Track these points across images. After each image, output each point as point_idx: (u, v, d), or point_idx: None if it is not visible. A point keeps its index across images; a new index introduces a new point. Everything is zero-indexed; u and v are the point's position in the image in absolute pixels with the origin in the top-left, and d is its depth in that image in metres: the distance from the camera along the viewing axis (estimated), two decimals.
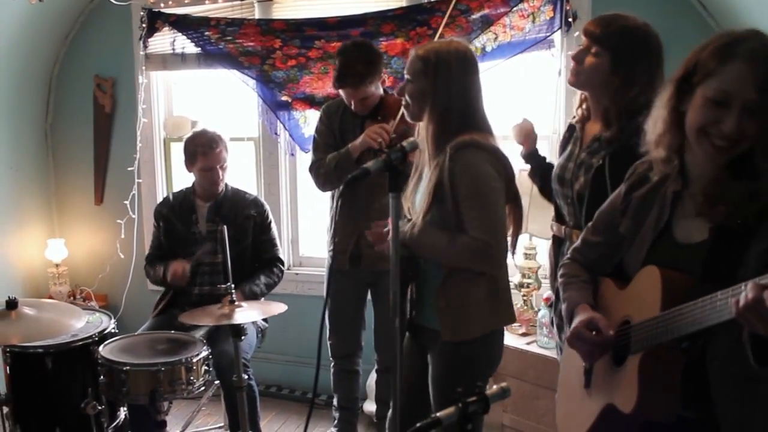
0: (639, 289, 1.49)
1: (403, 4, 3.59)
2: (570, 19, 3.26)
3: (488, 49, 3.42)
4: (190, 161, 3.18)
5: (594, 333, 1.53)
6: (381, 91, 3.00)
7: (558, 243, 2.28)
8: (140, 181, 4.18)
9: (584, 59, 2.07)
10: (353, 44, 2.96)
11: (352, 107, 2.95)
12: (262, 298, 3.22)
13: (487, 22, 3.39)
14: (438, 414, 1.23)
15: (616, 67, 2.00)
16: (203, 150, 3.12)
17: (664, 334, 1.35)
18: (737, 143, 1.34)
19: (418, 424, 1.22)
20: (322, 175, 2.97)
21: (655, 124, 1.49)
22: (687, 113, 1.41)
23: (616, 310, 1.56)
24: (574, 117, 2.27)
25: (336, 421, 3.34)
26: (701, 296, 1.30)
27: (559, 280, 1.77)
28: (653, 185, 1.54)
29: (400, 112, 2.81)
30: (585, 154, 2.11)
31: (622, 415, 1.45)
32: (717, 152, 1.36)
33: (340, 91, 2.94)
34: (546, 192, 2.44)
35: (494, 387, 1.31)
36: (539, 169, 2.49)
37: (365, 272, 3.03)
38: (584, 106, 2.20)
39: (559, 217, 2.27)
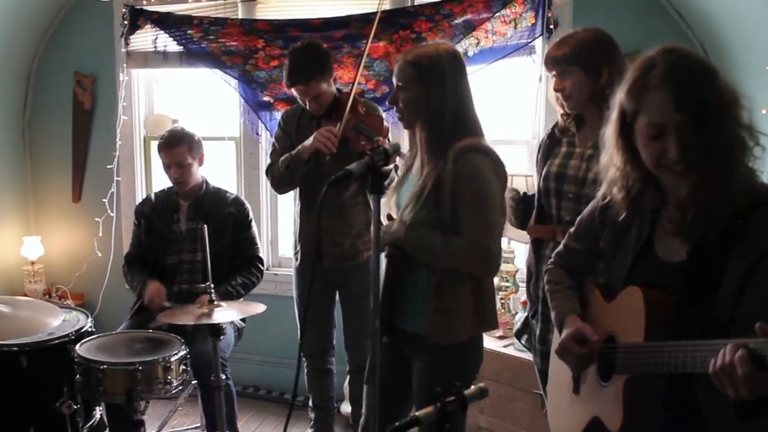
0: (623, 308, 1.50)
1: (387, 7, 3.61)
2: (551, 26, 3.30)
3: (470, 53, 3.45)
4: (159, 155, 3.20)
5: (581, 345, 1.56)
6: (334, 89, 3.04)
7: (537, 245, 2.32)
8: (119, 179, 4.14)
9: (564, 85, 2.15)
10: (301, 44, 3.04)
11: (307, 107, 2.99)
12: (240, 298, 3.22)
13: (469, 27, 3.42)
14: (417, 413, 1.24)
15: (588, 72, 2.09)
16: (164, 145, 3.12)
17: (647, 367, 1.36)
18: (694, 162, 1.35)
19: (396, 423, 1.23)
20: (276, 177, 3.04)
21: (609, 165, 1.52)
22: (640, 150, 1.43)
23: (602, 322, 1.59)
24: (556, 125, 2.31)
25: (312, 422, 3.35)
26: (683, 318, 1.33)
27: (546, 286, 1.80)
28: (631, 201, 1.54)
29: (346, 114, 2.86)
30: (593, 150, 2.12)
31: (608, 430, 1.48)
32: (681, 177, 1.37)
33: (293, 91, 2.99)
34: (522, 221, 2.49)
35: (472, 387, 1.33)
36: (525, 204, 2.51)
37: (331, 271, 3.06)
38: (565, 114, 2.25)
39: (541, 219, 2.30)
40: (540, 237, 2.30)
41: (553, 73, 2.18)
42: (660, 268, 1.46)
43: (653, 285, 1.43)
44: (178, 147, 3.10)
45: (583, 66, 2.10)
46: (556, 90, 2.18)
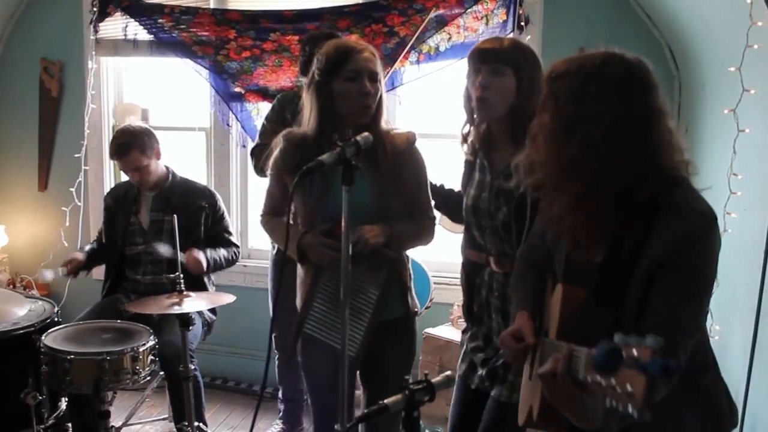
0: (553, 303, 1.55)
1: (360, 0, 3.62)
2: (522, 23, 3.35)
3: (441, 48, 3.49)
4: None
5: (517, 342, 1.59)
6: None
7: (472, 267, 2.14)
8: (87, 168, 4.09)
9: (491, 84, 1.93)
10: (323, 34, 3.00)
11: None
12: (212, 288, 3.20)
13: (441, 22, 3.45)
14: (385, 401, 1.27)
15: (518, 80, 1.92)
16: (115, 155, 3.08)
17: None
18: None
19: (365, 410, 1.25)
20: (264, 159, 2.99)
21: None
22: None
23: (546, 316, 1.63)
24: (467, 153, 2.16)
25: (281, 413, 3.36)
26: (593, 318, 1.38)
27: (512, 277, 1.85)
28: None
29: None
30: (500, 180, 1.99)
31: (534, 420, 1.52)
32: None
33: (303, 79, 2.96)
34: (458, 218, 2.31)
35: (439, 376, 1.36)
36: (442, 199, 2.41)
37: None
38: (472, 139, 2.10)
39: (473, 245, 2.13)
40: (475, 261, 2.14)
41: (481, 68, 1.94)
42: (583, 268, 1.50)
43: (579, 284, 1.47)
44: (129, 154, 3.01)
45: (517, 71, 1.91)
46: (484, 86, 1.92)
